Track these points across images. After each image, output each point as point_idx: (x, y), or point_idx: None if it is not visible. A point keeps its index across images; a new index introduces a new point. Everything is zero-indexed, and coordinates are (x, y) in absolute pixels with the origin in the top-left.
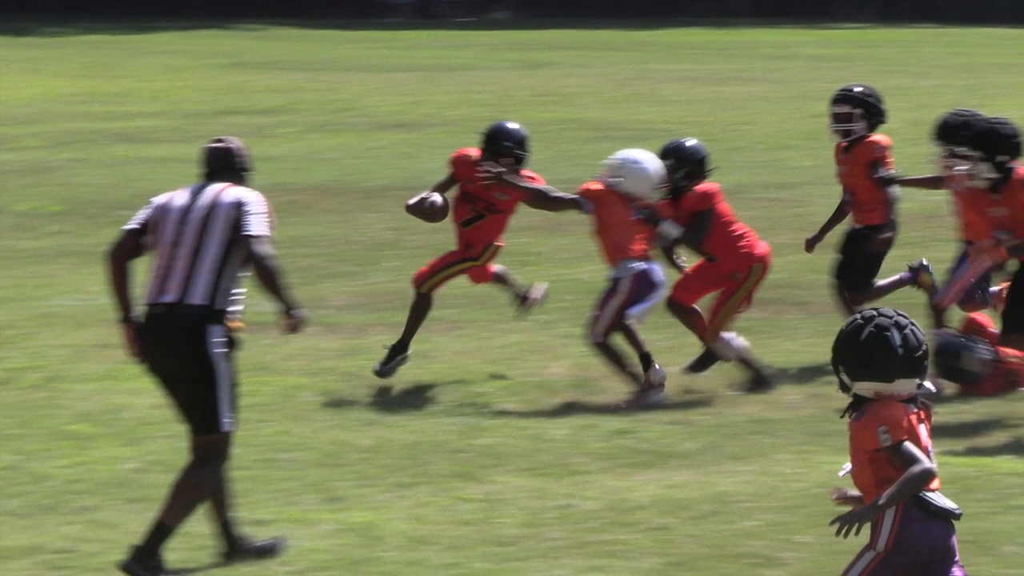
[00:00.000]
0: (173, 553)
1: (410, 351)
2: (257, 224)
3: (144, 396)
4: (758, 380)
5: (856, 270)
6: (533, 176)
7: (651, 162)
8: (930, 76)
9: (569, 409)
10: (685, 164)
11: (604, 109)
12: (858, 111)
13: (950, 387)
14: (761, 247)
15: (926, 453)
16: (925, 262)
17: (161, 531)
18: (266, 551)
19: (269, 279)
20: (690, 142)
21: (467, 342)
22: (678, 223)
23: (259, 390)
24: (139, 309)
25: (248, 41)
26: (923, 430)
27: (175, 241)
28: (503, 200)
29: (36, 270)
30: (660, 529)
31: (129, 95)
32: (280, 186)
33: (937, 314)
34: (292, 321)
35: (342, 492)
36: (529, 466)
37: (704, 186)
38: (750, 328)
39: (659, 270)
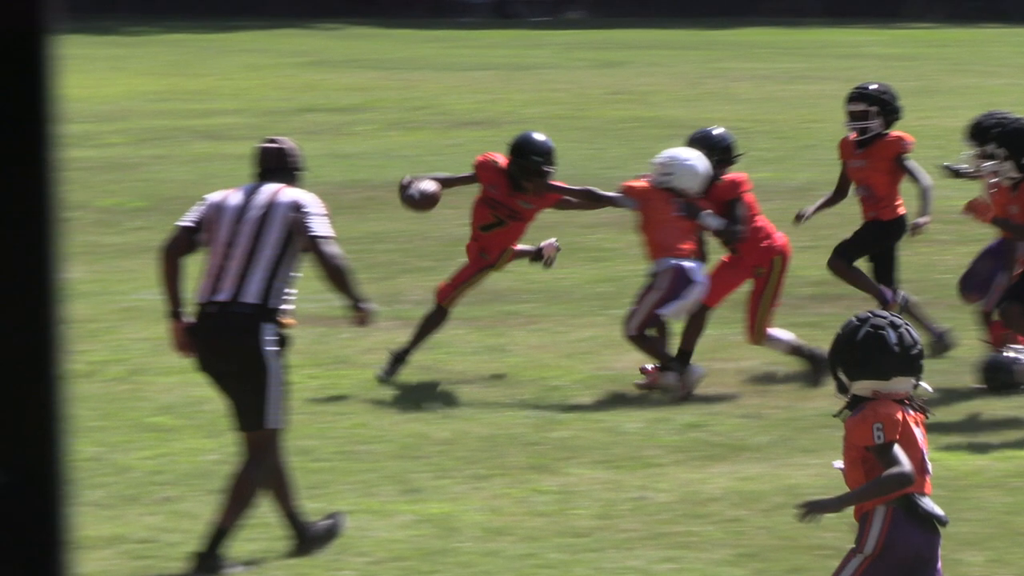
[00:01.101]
0: (252, 544)
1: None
2: (321, 225)
3: None
4: (817, 365)
5: (881, 266)
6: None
7: (699, 159)
8: (998, 75)
9: (643, 402)
10: (713, 153)
11: (677, 107)
12: (874, 109)
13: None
14: (779, 238)
15: (921, 455)
16: (951, 342)
17: (221, 534)
18: (332, 532)
19: (339, 278)
20: (717, 130)
21: (543, 336)
22: (698, 205)
23: (338, 383)
24: (191, 307)
25: (327, 40)
26: (919, 432)
27: (230, 241)
28: (527, 208)
29: (118, 265)
30: (732, 521)
31: (210, 93)
32: (358, 183)
33: (986, 320)
34: (362, 315)
35: (419, 484)
36: (603, 458)
37: (732, 175)
38: (821, 323)
39: (699, 269)
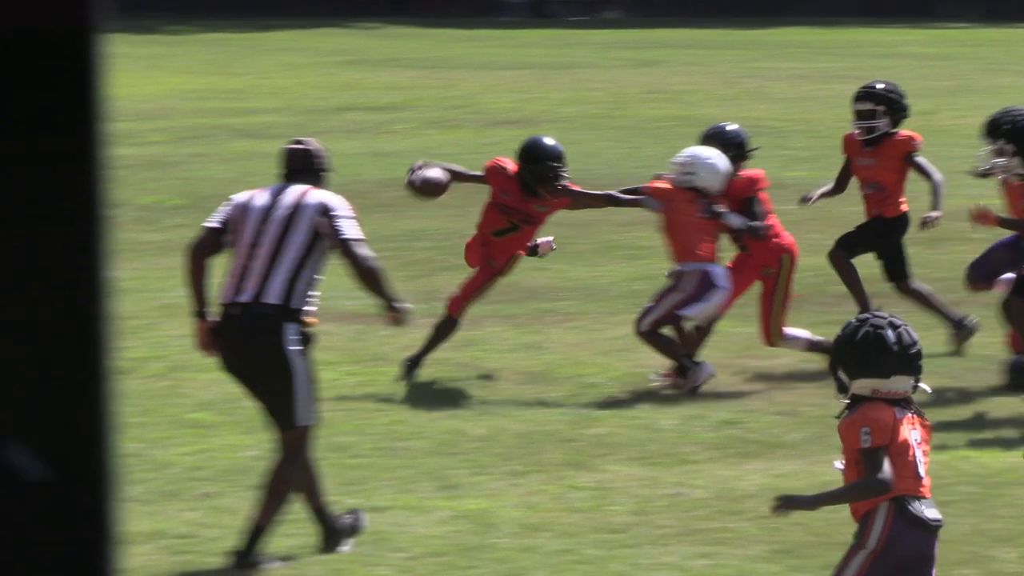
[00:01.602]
0: (291, 539)
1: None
2: (351, 228)
3: None
4: None
5: (889, 263)
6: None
7: (719, 157)
8: None
9: (678, 400)
10: (728, 149)
11: (714, 106)
12: (881, 108)
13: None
14: (787, 238)
15: (914, 459)
16: (976, 327)
17: (258, 531)
18: (355, 528)
19: (373, 279)
20: (730, 127)
21: (579, 334)
22: (723, 205)
23: (376, 380)
24: (215, 308)
25: (366, 39)
26: (914, 435)
27: (254, 241)
28: (541, 212)
29: (158, 262)
30: (767, 517)
31: (249, 91)
32: (397, 181)
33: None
34: (397, 314)
35: (456, 480)
36: (639, 455)
37: (750, 171)
38: None
39: (724, 274)
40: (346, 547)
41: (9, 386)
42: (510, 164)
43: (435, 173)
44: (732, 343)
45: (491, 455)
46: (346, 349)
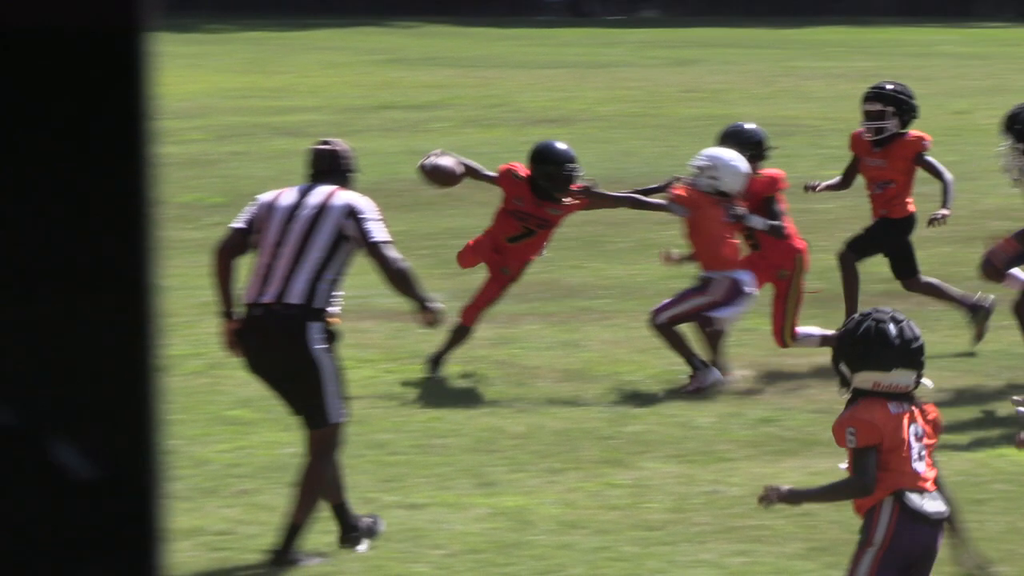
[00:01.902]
0: (329, 536)
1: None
2: (379, 230)
3: None
4: None
5: (898, 261)
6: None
7: (739, 159)
8: None
9: (715, 398)
10: (747, 148)
11: (750, 105)
12: (890, 109)
13: None
14: (799, 242)
15: (908, 453)
16: (993, 304)
17: (295, 530)
18: (373, 531)
19: (403, 281)
20: (748, 126)
21: (616, 332)
22: (745, 208)
23: (414, 377)
24: (240, 308)
25: (405, 38)
26: (913, 430)
27: (279, 240)
28: (555, 215)
29: (197, 260)
30: (804, 515)
31: (289, 90)
32: None
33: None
34: (430, 314)
35: (494, 477)
36: (676, 453)
37: (771, 171)
38: None
39: (750, 278)
40: (363, 547)
41: (58, 385)
42: (522, 169)
43: (448, 162)
44: (768, 341)
45: (529, 452)
46: (384, 347)
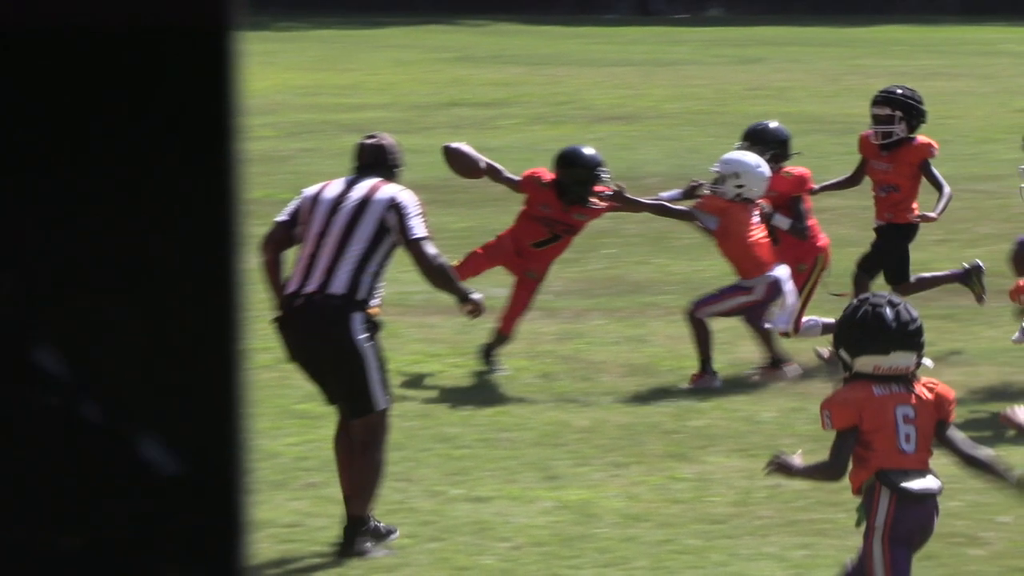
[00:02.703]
0: (399, 528)
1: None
2: (419, 226)
3: None
4: None
5: (893, 265)
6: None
7: (761, 162)
8: None
9: (778, 392)
10: (772, 147)
11: (816, 103)
12: (899, 113)
13: None
14: (823, 239)
15: (893, 433)
16: (979, 263)
17: (356, 524)
18: (381, 539)
19: (441, 277)
20: (773, 124)
21: (681, 327)
22: (770, 206)
23: (480, 372)
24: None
25: (473, 36)
26: (901, 412)
27: (322, 232)
28: (581, 220)
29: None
30: None
31: (358, 87)
32: None
33: None
34: (472, 306)
35: (559, 471)
36: (740, 447)
37: (799, 170)
38: (954, 315)
39: (786, 272)
40: (367, 546)
41: (144, 381)
42: (546, 174)
43: (471, 152)
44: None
45: (593, 446)
46: (451, 341)
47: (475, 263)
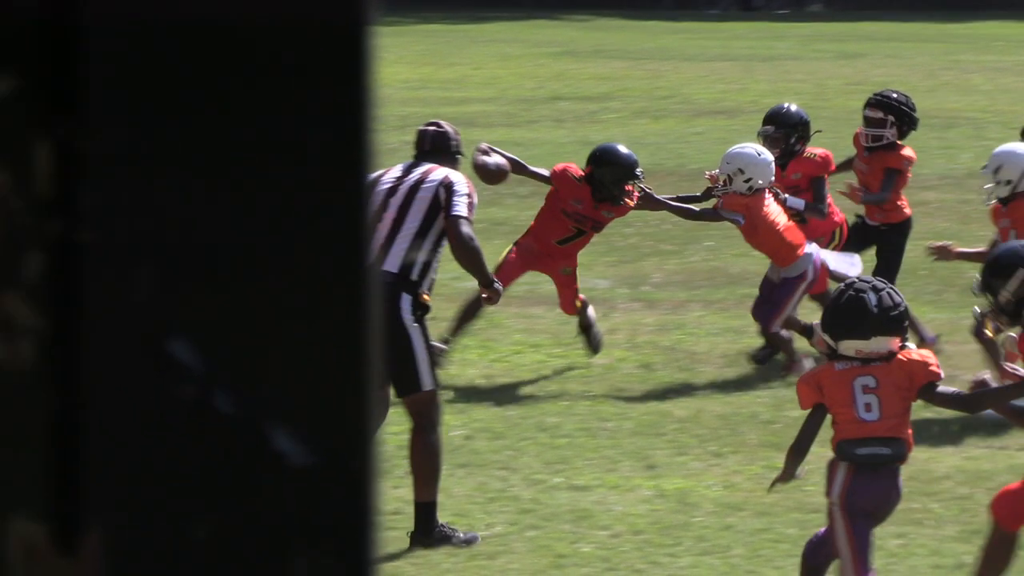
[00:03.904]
0: (494, 516)
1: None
2: (460, 205)
3: (471, 367)
4: None
5: (887, 261)
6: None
7: (761, 149)
8: None
9: None
10: (795, 129)
11: (914, 98)
12: (891, 118)
13: None
14: (839, 215)
15: (850, 406)
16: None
17: (425, 509)
18: (454, 543)
19: (471, 258)
20: (793, 107)
21: None
22: (791, 187)
23: (580, 362)
24: None
25: (576, 31)
26: (860, 382)
27: (380, 211)
28: (608, 218)
29: None
30: (961, 499)
31: (463, 81)
32: None
33: None
34: (490, 294)
35: (658, 460)
36: None
37: (822, 151)
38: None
39: (816, 247)
40: (459, 536)
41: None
42: (577, 170)
43: (491, 161)
44: (934, 329)
45: (692, 436)
46: (552, 332)
47: (509, 271)
